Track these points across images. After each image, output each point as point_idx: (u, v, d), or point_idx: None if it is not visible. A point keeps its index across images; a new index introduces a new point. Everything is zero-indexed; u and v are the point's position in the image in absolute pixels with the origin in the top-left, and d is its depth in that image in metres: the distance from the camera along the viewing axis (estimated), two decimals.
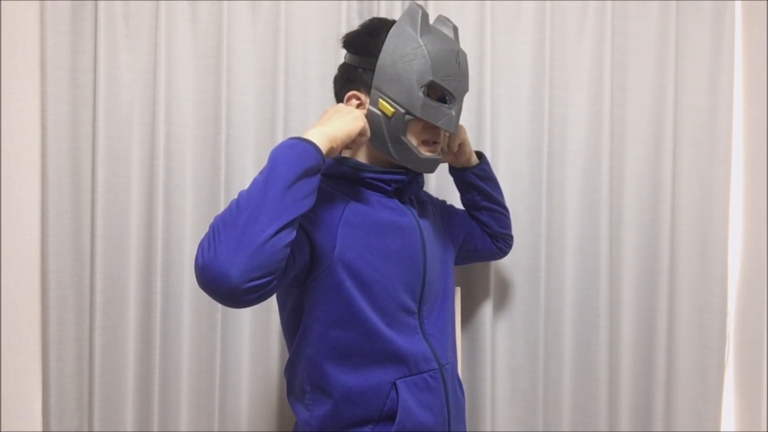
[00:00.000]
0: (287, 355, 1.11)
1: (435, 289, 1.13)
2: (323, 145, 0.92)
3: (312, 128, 0.95)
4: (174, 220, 1.51)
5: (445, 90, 1.06)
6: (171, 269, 1.51)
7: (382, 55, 1.04)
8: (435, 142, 1.11)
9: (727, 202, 1.52)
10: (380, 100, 1.04)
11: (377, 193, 1.10)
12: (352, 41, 1.10)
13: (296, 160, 0.88)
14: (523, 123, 1.54)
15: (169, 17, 1.50)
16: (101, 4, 1.47)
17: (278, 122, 1.49)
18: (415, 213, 1.14)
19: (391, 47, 1.04)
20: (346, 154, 1.12)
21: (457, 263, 1.30)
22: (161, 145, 1.49)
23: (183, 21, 1.52)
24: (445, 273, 1.18)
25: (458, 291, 1.42)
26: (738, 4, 1.54)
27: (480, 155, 1.31)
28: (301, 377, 1.06)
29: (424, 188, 1.28)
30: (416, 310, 1.08)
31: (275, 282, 0.85)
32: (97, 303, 1.48)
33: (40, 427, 1.50)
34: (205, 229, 0.99)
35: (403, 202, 1.13)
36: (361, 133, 1.01)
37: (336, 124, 0.97)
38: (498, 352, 1.56)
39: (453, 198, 1.41)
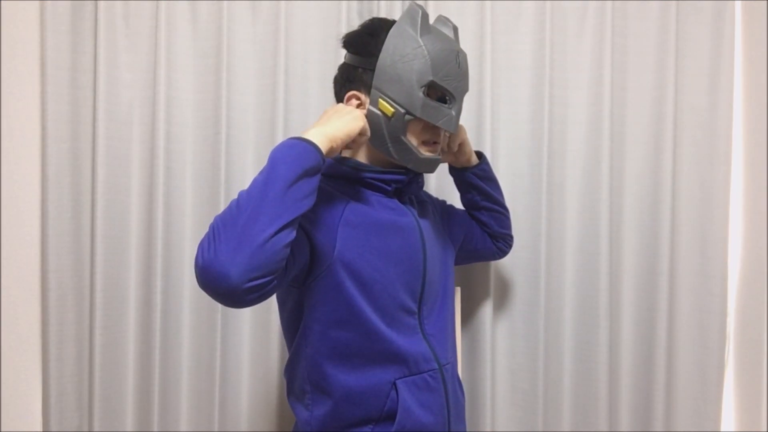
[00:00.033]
0: (287, 355, 1.11)
1: (435, 289, 1.13)
2: (323, 145, 0.92)
3: (312, 128, 0.95)
4: (174, 220, 1.51)
5: (445, 90, 1.06)
6: (171, 269, 1.51)
7: (382, 55, 1.04)
8: (435, 142, 1.11)
9: (727, 202, 1.52)
10: (380, 100, 1.04)
11: (377, 193, 1.10)
12: (352, 41, 1.10)
13: (296, 160, 0.88)
14: (523, 123, 1.54)
15: (169, 17, 1.50)
16: (101, 4, 1.47)
17: (278, 122, 1.49)
18: (415, 213, 1.14)
19: (391, 47, 1.04)
20: (346, 154, 1.12)
21: (457, 263, 1.30)
22: (161, 145, 1.49)
23: (183, 21, 1.52)
24: (445, 273, 1.18)
25: (458, 291, 1.42)
26: (738, 4, 1.54)
27: (480, 155, 1.31)
28: (301, 377, 1.06)
29: (424, 188, 1.28)
30: (416, 310, 1.08)
31: (275, 282, 0.85)
32: (97, 303, 1.48)
33: (40, 427, 1.50)
34: (205, 229, 0.99)
35: (403, 202, 1.13)
36: (361, 133, 1.01)
37: (336, 124, 0.97)
38: (498, 352, 1.56)
39: (453, 198, 1.41)
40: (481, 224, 1.34)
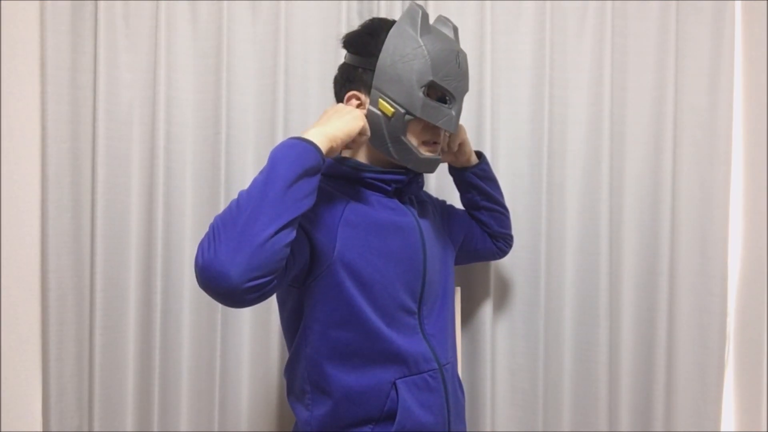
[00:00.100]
0: (287, 355, 1.11)
1: (435, 289, 1.13)
2: (323, 145, 0.92)
3: (312, 128, 0.95)
4: (174, 220, 1.51)
5: (445, 90, 1.06)
6: (171, 269, 1.51)
7: (382, 55, 1.04)
8: (435, 142, 1.11)
9: (727, 202, 1.52)
10: (380, 100, 1.04)
11: (377, 193, 1.10)
12: (352, 41, 1.10)
13: (296, 160, 0.88)
14: (523, 123, 1.54)
15: (169, 17, 1.50)
16: (101, 4, 1.47)
17: (278, 122, 1.49)
18: (415, 213, 1.14)
19: (391, 47, 1.04)
20: (346, 154, 1.12)
21: (457, 263, 1.30)
22: (161, 145, 1.49)
23: (183, 21, 1.52)
24: (445, 273, 1.18)
25: (458, 291, 1.41)
26: (738, 4, 1.54)
27: (480, 155, 1.31)
28: (301, 377, 1.06)
29: (424, 188, 1.28)
30: (416, 310, 1.08)
31: (275, 282, 0.85)
32: (97, 303, 1.48)
33: (40, 427, 1.50)
34: (205, 229, 0.99)
35: (403, 202, 1.13)
36: (361, 133, 1.01)
37: (336, 124, 0.97)
38: (498, 352, 1.56)
39: (453, 198, 1.41)
40: (481, 224, 1.34)
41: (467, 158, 1.27)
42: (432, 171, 1.14)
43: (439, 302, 1.14)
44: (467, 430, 1.26)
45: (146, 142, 1.52)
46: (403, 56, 1.03)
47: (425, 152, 1.10)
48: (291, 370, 1.10)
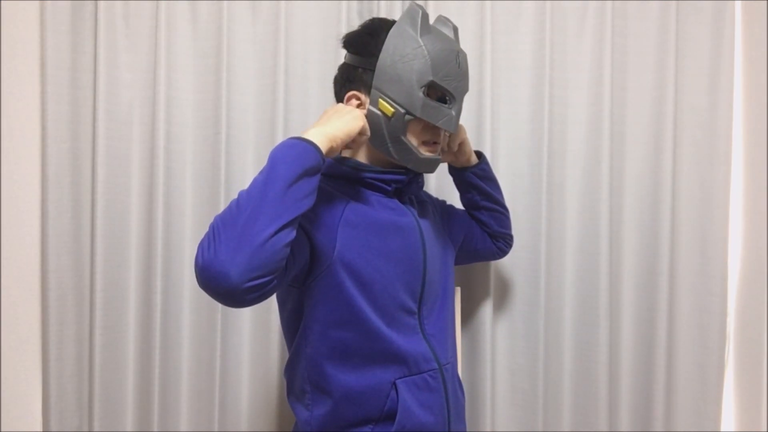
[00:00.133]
0: (287, 355, 1.11)
1: (435, 289, 1.13)
2: (323, 145, 0.92)
3: (312, 128, 0.95)
4: (174, 220, 1.51)
5: (445, 90, 1.06)
6: (171, 269, 1.51)
7: (382, 55, 1.04)
8: (435, 142, 1.11)
9: (727, 202, 1.52)
10: (380, 100, 1.04)
11: (377, 193, 1.10)
12: (352, 41, 1.10)
13: (296, 160, 0.88)
14: (523, 123, 1.54)
15: (169, 17, 1.50)
16: (101, 4, 1.47)
17: (278, 122, 1.49)
18: (415, 213, 1.14)
19: (391, 47, 1.04)
20: (346, 154, 1.12)
21: (457, 263, 1.30)
22: (161, 145, 1.49)
23: (183, 21, 1.52)
24: (445, 273, 1.18)
25: (458, 291, 1.42)
26: (738, 4, 1.54)
27: (479, 155, 1.31)
28: (301, 377, 1.06)
29: (424, 188, 1.28)
30: (416, 310, 1.08)
31: (275, 282, 0.85)
32: (97, 303, 1.48)
33: (40, 427, 1.50)
34: (205, 229, 0.99)
35: (403, 202, 1.13)
36: (361, 133, 1.01)
37: (336, 124, 0.97)
38: (498, 352, 1.56)
39: (453, 198, 1.41)
40: (480, 224, 1.34)
41: (467, 158, 1.27)
42: (432, 171, 1.14)
43: (439, 302, 1.14)
44: (467, 430, 1.26)
45: (146, 142, 1.52)
46: (403, 56, 1.03)
47: (425, 152, 1.10)
48: (291, 370, 1.10)
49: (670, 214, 1.51)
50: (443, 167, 1.38)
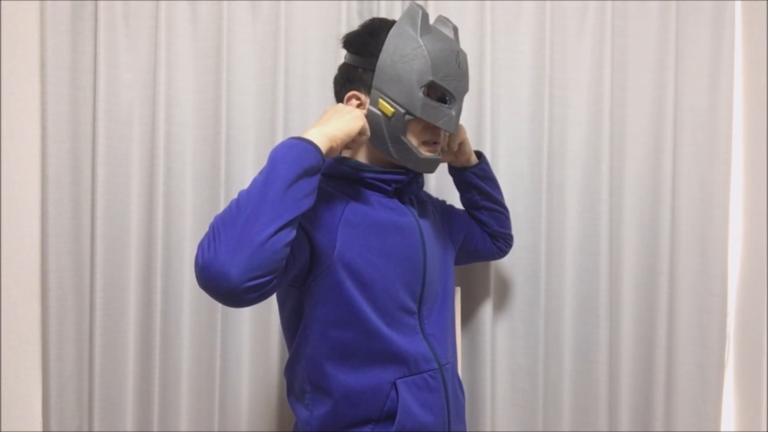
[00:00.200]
0: (287, 355, 1.11)
1: (435, 289, 1.13)
2: (323, 145, 0.92)
3: (312, 128, 0.95)
4: (174, 220, 1.51)
5: (445, 90, 1.06)
6: (171, 269, 1.51)
7: (382, 55, 1.04)
8: (435, 142, 1.11)
9: (727, 202, 1.52)
10: (380, 100, 1.04)
11: (377, 193, 1.10)
12: (352, 41, 1.10)
13: (296, 160, 0.88)
14: (523, 123, 1.54)
15: (169, 17, 1.50)
16: (101, 4, 1.47)
17: (278, 122, 1.49)
18: (415, 213, 1.14)
19: (391, 47, 1.04)
20: (346, 154, 1.12)
21: (457, 263, 1.30)
22: (161, 145, 1.49)
23: (183, 21, 1.52)
24: (445, 273, 1.18)
25: (458, 291, 1.42)
26: (738, 4, 1.54)
27: (479, 155, 1.31)
28: (301, 377, 1.06)
29: (424, 188, 1.28)
30: (416, 310, 1.08)
31: (275, 281, 0.85)
32: (97, 303, 1.48)
33: (40, 427, 1.50)
34: (205, 229, 0.99)
35: (403, 202, 1.13)
36: (361, 133, 1.01)
37: (336, 124, 0.97)
38: (498, 352, 1.56)
39: (453, 198, 1.41)
40: (480, 224, 1.34)
41: (467, 158, 1.27)
42: (432, 171, 1.14)
43: (439, 302, 1.14)
44: (467, 430, 1.26)
45: (146, 142, 1.52)
46: (403, 56, 1.03)
47: (425, 152, 1.10)
48: (291, 370, 1.10)
49: (670, 214, 1.51)
50: (443, 167, 1.38)
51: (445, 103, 1.07)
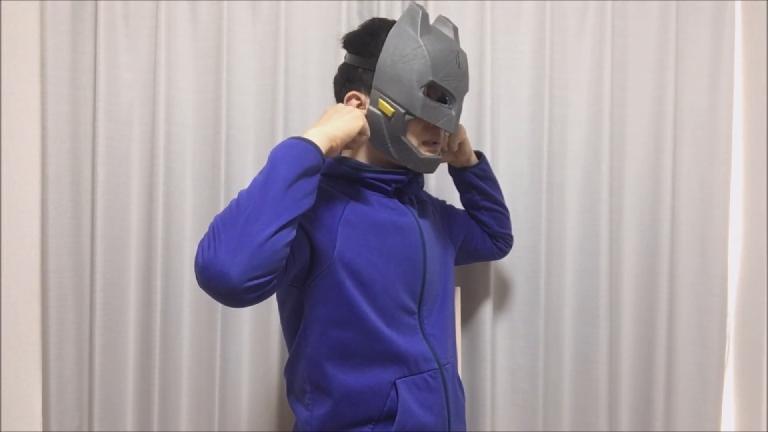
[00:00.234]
0: (287, 355, 1.11)
1: (435, 289, 1.13)
2: (323, 145, 0.92)
3: (312, 128, 0.95)
4: (174, 220, 1.51)
5: (445, 90, 1.06)
6: (171, 269, 1.51)
7: (382, 55, 1.04)
8: (435, 142, 1.11)
9: (727, 202, 1.52)
10: (380, 100, 1.04)
11: (377, 193, 1.10)
12: (352, 41, 1.10)
13: (296, 160, 0.88)
14: (523, 123, 1.54)
15: (169, 17, 1.50)
16: (101, 4, 1.47)
17: (278, 122, 1.50)
18: (415, 213, 1.14)
19: (391, 47, 1.04)
20: (346, 154, 1.12)
21: (457, 263, 1.30)
22: (161, 145, 1.49)
23: (183, 21, 1.52)
24: (445, 273, 1.18)
25: (458, 291, 1.42)
26: (738, 4, 1.54)
27: (479, 155, 1.31)
28: (301, 377, 1.06)
29: (424, 188, 1.28)
30: (416, 310, 1.08)
31: (275, 281, 0.85)
32: (97, 303, 1.48)
33: (40, 427, 1.50)
34: (205, 229, 0.99)
35: (403, 202, 1.13)
36: (361, 133, 1.01)
37: (336, 124, 0.97)
38: (498, 352, 1.56)
39: (453, 198, 1.41)
40: (480, 224, 1.34)
41: (467, 158, 1.27)
42: (432, 171, 1.14)
43: (439, 302, 1.14)
44: (467, 430, 1.26)
45: (146, 142, 1.52)
46: (403, 56, 1.03)
47: (425, 152, 1.10)
48: (291, 370, 1.10)
49: (670, 214, 1.51)
50: (443, 167, 1.38)
51: (445, 103, 1.07)
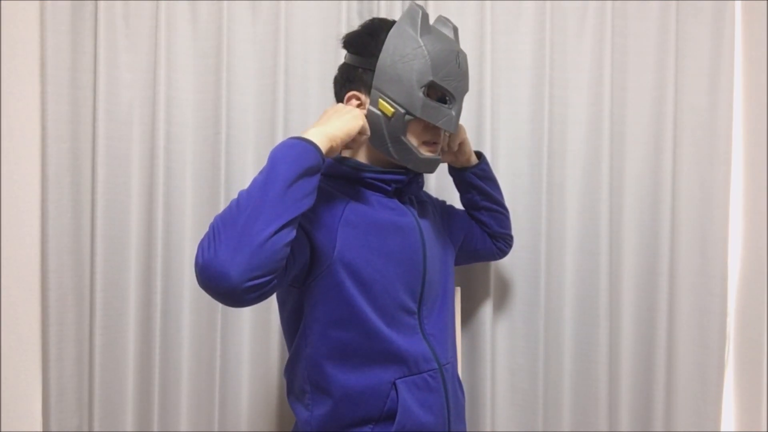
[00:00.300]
0: (287, 355, 1.11)
1: (435, 289, 1.13)
2: (323, 145, 0.92)
3: (312, 128, 0.95)
4: (174, 220, 1.51)
5: (445, 90, 1.06)
6: (171, 269, 1.51)
7: (382, 56, 1.04)
8: (435, 143, 1.11)
9: (727, 202, 1.52)
10: (380, 100, 1.04)
11: (377, 193, 1.10)
12: (352, 41, 1.11)
13: (296, 160, 0.88)
14: (523, 123, 1.54)
15: (169, 17, 1.50)
16: (101, 4, 1.47)
17: (278, 122, 1.50)
18: (415, 213, 1.14)
19: (391, 47, 1.04)
20: (346, 154, 1.12)
21: (457, 263, 1.30)
22: (161, 145, 1.49)
23: (183, 21, 1.52)
24: (445, 273, 1.18)
25: (458, 291, 1.42)
26: (738, 4, 1.54)
27: (479, 155, 1.31)
28: (301, 377, 1.06)
29: (424, 188, 1.28)
30: (416, 310, 1.08)
31: (275, 281, 0.85)
32: (97, 303, 1.48)
33: (40, 427, 1.50)
34: (205, 229, 0.99)
35: (403, 202, 1.13)
36: (361, 133, 1.01)
37: (336, 124, 0.97)
38: (498, 352, 1.56)
39: (453, 198, 1.41)
40: (480, 224, 1.34)
41: (467, 158, 1.27)
42: (432, 171, 1.14)
43: (439, 302, 1.14)
44: (467, 430, 1.26)
45: (146, 142, 1.52)
46: (403, 56, 1.03)
47: (425, 152, 1.10)
48: (291, 370, 1.10)
49: (670, 214, 1.51)
50: (443, 167, 1.38)
51: (445, 103, 1.07)
